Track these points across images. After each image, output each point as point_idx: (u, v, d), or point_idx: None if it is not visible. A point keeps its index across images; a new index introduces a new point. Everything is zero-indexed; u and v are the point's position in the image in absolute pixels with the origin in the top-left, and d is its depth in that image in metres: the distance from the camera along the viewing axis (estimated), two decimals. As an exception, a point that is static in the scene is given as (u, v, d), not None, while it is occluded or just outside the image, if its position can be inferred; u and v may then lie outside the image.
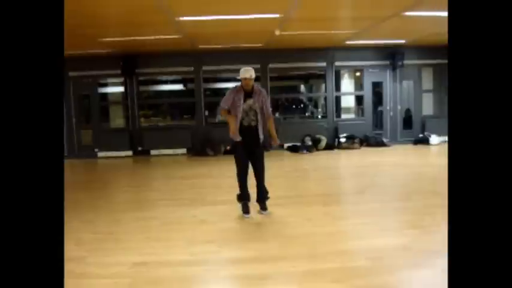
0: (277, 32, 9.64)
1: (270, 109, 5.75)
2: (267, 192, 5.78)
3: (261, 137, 5.62)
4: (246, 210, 5.66)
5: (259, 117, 5.58)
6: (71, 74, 13.23)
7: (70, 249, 4.53)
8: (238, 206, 5.77)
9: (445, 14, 8.00)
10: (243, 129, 5.52)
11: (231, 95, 5.51)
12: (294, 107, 19.62)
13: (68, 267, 3.98)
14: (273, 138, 5.80)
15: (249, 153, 5.58)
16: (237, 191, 5.72)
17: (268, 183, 5.85)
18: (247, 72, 5.46)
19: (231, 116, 5.53)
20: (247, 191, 5.70)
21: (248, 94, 5.52)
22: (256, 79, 13.82)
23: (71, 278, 3.75)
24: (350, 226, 5.25)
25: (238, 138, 5.48)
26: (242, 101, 5.48)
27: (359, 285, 3.49)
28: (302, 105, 19.62)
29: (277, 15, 8.12)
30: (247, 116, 5.52)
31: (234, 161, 5.67)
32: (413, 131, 14.10)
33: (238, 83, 5.60)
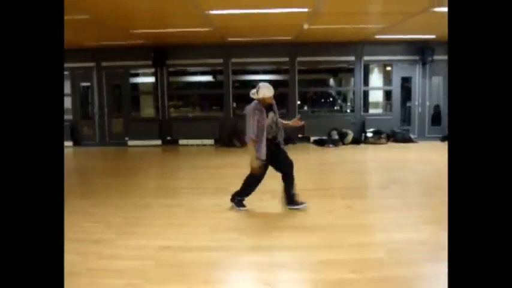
0: (305, 26, 9.69)
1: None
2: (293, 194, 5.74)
3: (281, 141, 5.67)
4: (243, 205, 5.75)
5: (279, 126, 5.64)
6: (104, 64, 13.63)
7: (100, 232, 4.79)
8: (235, 207, 5.78)
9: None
10: (269, 143, 5.51)
11: (255, 117, 5.40)
12: (322, 100, 19.56)
13: (98, 248, 4.26)
14: (293, 123, 5.82)
15: (271, 161, 5.61)
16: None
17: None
18: (272, 90, 5.46)
19: (254, 145, 5.50)
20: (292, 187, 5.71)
21: (267, 109, 5.52)
22: (285, 72, 13.98)
23: (101, 259, 3.99)
24: (371, 220, 5.33)
25: (264, 158, 5.46)
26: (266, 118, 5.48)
27: (376, 277, 3.59)
28: (331, 99, 19.56)
29: (305, 10, 8.17)
30: (272, 129, 5.53)
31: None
32: (441, 127, 13.91)
33: (258, 83, 5.56)
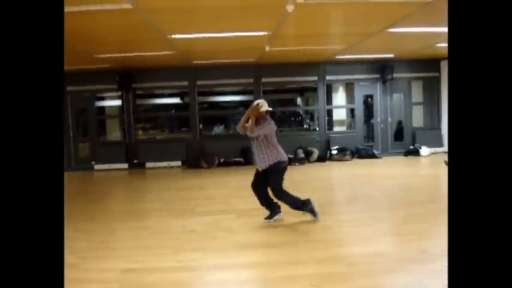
0: (267, 48, 9.92)
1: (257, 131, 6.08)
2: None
3: (262, 165, 6.24)
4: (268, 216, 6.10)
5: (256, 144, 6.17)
6: (69, 88, 13.43)
7: (65, 257, 4.78)
8: None
9: (428, 29, 8.36)
10: None
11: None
12: (292, 119, 19.79)
13: (62, 273, 4.25)
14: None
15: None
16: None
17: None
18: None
19: None
20: (261, 201, 6.18)
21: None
22: (250, 92, 14.13)
23: (65, 283, 4.00)
24: (333, 235, 5.49)
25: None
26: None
27: (334, 289, 3.75)
28: (299, 118, 19.80)
29: (265, 33, 8.40)
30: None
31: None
32: (404, 142, 14.33)
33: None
